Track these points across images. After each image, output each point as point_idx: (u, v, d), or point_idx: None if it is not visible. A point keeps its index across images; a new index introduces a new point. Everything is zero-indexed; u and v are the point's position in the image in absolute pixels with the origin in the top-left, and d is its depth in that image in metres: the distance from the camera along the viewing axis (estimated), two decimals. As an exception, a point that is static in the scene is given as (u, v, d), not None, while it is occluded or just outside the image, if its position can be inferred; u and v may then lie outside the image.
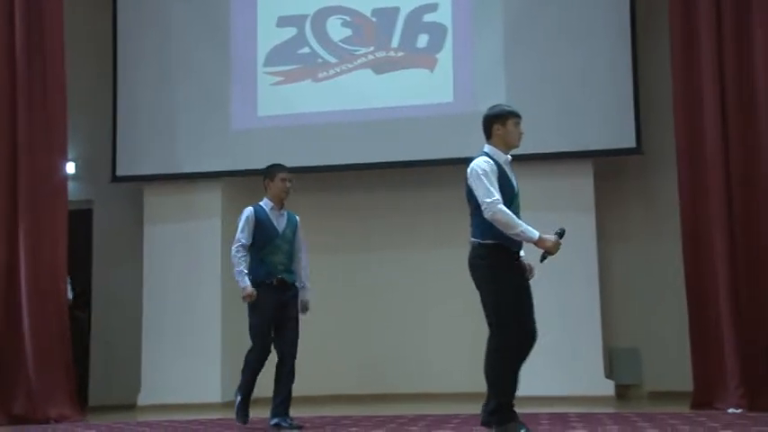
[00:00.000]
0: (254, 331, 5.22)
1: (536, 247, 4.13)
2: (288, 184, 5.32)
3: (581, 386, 6.68)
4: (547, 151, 6.96)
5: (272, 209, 5.30)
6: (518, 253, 4.27)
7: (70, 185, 7.18)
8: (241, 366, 7.98)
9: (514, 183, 4.31)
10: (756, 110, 5.86)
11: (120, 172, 7.64)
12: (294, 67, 7.47)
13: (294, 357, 5.23)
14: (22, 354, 6.35)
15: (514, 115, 4.35)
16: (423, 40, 7.31)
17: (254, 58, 7.51)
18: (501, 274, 4.15)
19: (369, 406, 4.76)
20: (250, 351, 5.26)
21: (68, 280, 6.88)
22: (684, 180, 6.11)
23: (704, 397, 5.83)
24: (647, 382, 7.13)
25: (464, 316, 6.66)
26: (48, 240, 6.57)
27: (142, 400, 7.32)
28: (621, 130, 6.86)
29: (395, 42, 7.35)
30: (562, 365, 6.78)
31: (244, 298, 5.19)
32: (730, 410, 5.51)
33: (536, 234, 4.10)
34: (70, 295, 6.97)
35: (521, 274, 4.27)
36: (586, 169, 7.02)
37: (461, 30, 7.22)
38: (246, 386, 5.29)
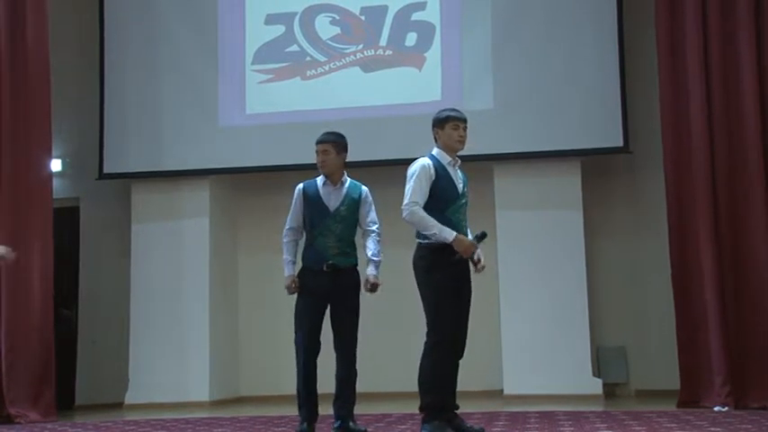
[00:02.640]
0: (295, 319, 4.60)
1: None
2: (321, 156, 4.67)
3: (569, 385, 6.70)
4: (534, 150, 6.99)
5: (324, 184, 4.68)
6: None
7: (57, 183, 7.13)
8: (230, 366, 7.96)
9: (459, 185, 4.34)
10: (742, 109, 5.92)
11: (107, 169, 7.59)
12: (282, 65, 7.45)
13: (350, 353, 4.57)
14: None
15: (453, 119, 4.36)
16: (411, 39, 7.31)
17: (243, 55, 7.49)
18: (439, 275, 4.20)
19: (357, 404, 4.72)
20: (296, 340, 4.63)
21: None
22: (671, 179, 6.16)
23: (691, 395, 5.87)
24: (634, 380, 7.16)
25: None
26: (34, 238, 6.52)
27: (129, 398, 7.28)
28: (609, 129, 6.88)
29: (383, 41, 7.35)
30: (550, 364, 6.80)
31: (286, 288, 4.64)
32: (716, 408, 5.56)
33: (451, 235, 4.17)
34: None
35: (461, 278, 4.28)
36: (574, 168, 7.04)
37: (450, 28, 7.22)
38: (298, 380, 4.59)
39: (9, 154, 6.51)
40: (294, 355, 4.64)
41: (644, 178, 7.21)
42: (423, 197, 4.24)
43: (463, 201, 4.37)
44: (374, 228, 4.72)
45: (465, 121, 4.39)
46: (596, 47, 6.95)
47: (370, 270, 4.65)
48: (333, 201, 4.64)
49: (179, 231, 7.50)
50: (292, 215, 4.72)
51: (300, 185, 4.76)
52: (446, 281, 4.21)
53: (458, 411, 4.34)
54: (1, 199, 6.44)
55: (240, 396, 7.74)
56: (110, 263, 7.88)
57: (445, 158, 4.34)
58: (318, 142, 4.72)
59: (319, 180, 4.73)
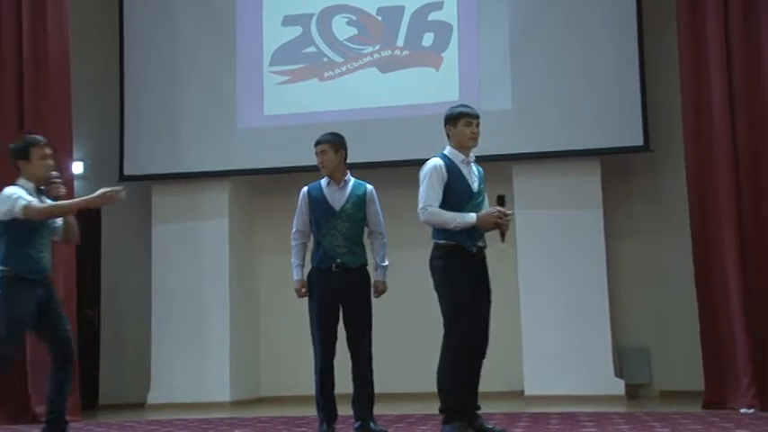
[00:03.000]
0: (310, 321, 4.61)
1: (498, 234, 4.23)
2: (320, 157, 4.66)
3: (590, 385, 6.65)
4: (553, 150, 6.95)
5: (329, 184, 4.67)
6: (479, 250, 4.26)
7: (79, 185, 7.19)
8: (250, 366, 8.00)
9: (473, 184, 4.30)
10: (765, 106, 5.83)
11: (127, 171, 7.64)
12: (300, 66, 7.46)
13: (365, 353, 4.56)
14: (23, 355, 6.33)
15: (465, 115, 4.31)
16: (428, 39, 7.28)
17: (261, 57, 7.51)
18: (456, 275, 4.16)
19: (376, 405, 4.71)
20: (313, 342, 4.65)
21: None
22: (693, 177, 6.09)
23: (716, 396, 5.80)
24: (657, 381, 7.10)
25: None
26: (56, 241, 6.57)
27: (152, 398, 7.33)
28: (628, 128, 6.82)
29: (400, 41, 7.33)
30: (571, 364, 6.76)
31: (295, 292, 4.67)
32: (743, 410, 5.47)
33: (473, 216, 4.15)
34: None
35: (478, 277, 4.25)
36: (593, 167, 6.99)
37: (467, 28, 7.19)
38: (316, 385, 4.60)
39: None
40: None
41: (665, 177, 7.14)
42: (437, 198, 4.21)
43: (479, 199, 4.32)
44: (380, 229, 4.75)
45: (477, 117, 4.34)
46: (615, 44, 6.89)
47: (379, 275, 4.70)
48: (337, 200, 4.63)
49: (199, 232, 7.54)
50: (298, 218, 4.75)
51: (305, 188, 4.77)
52: (463, 281, 4.18)
53: (479, 412, 4.32)
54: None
55: (261, 396, 7.77)
56: (131, 264, 7.95)
57: (458, 157, 4.30)
58: (316, 143, 4.74)
59: (323, 181, 4.73)
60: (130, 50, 7.71)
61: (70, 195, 6.73)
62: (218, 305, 7.41)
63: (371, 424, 4.57)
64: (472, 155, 4.38)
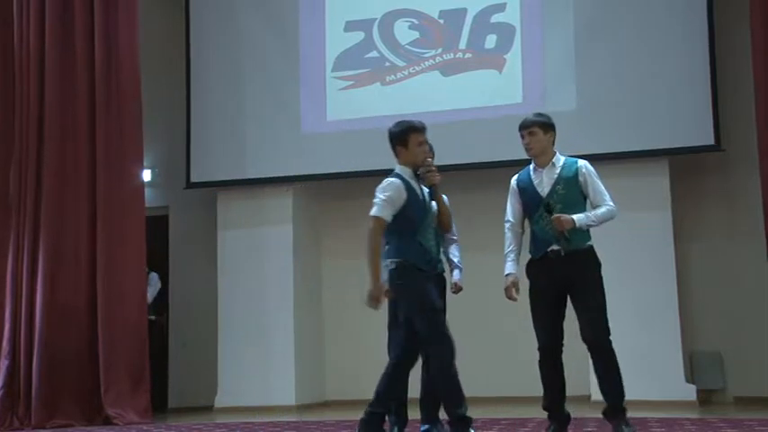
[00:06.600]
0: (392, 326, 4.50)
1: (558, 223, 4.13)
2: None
3: (661, 390, 6.48)
4: (619, 150, 6.81)
5: (411, 177, 4.32)
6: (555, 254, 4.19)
7: (147, 192, 7.37)
8: (316, 370, 8.03)
9: (544, 189, 4.23)
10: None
11: (194, 178, 7.80)
12: (362, 71, 7.50)
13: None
14: (97, 357, 6.53)
15: (520, 127, 4.32)
16: (491, 41, 7.24)
17: (323, 63, 7.58)
18: (529, 283, 4.21)
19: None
20: (389, 345, 4.55)
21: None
22: (767, 176, 5.89)
23: (793, 403, 5.60)
24: (731, 387, 6.89)
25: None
26: (128, 246, 6.76)
27: (219, 402, 7.45)
28: (699, 127, 6.64)
29: (462, 44, 7.30)
30: (640, 369, 6.55)
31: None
32: (821, 417, 5.27)
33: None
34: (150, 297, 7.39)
35: (547, 280, 4.22)
36: (662, 168, 6.83)
37: (530, 29, 7.12)
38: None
39: (104, 166, 6.79)
40: (380, 358, 4.57)
41: (738, 177, 6.93)
42: (512, 214, 4.33)
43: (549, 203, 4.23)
44: (456, 236, 4.77)
45: (527, 127, 4.29)
46: (684, 42, 6.72)
47: (457, 275, 4.72)
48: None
49: (264, 238, 7.64)
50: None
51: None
52: (533, 288, 4.22)
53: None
54: (98, 209, 6.72)
55: (326, 400, 7.81)
56: (198, 270, 8.09)
57: (531, 166, 4.35)
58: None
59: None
60: (196, 59, 7.87)
61: (141, 202, 7.00)
62: (282, 310, 7.48)
63: (439, 426, 4.54)
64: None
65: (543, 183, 4.26)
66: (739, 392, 6.83)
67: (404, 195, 4.14)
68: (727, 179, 7.07)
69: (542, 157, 4.27)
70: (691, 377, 6.82)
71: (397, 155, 4.31)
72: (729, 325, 6.93)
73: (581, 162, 4.32)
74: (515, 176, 4.40)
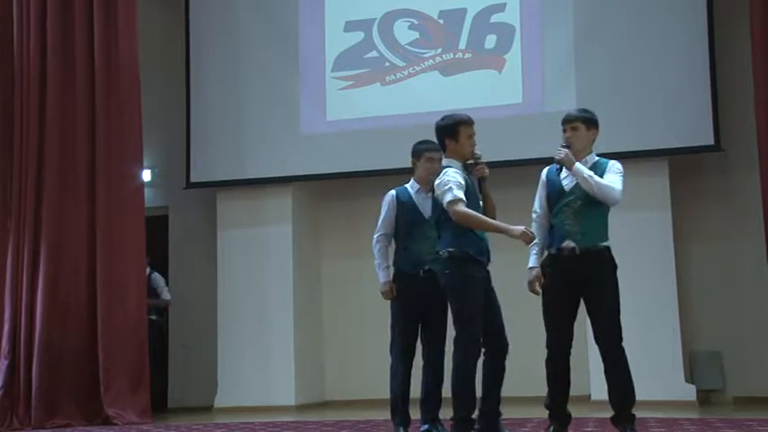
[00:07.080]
0: (395, 327, 4.63)
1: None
2: (436, 165, 4.45)
3: (660, 390, 6.46)
4: (619, 150, 6.79)
5: (418, 191, 4.67)
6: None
7: (147, 192, 7.37)
8: (315, 370, 8.04)
9: (567, 185, 4.21)
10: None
11: (194, 178, 7.80)
12: (362, 71, 7.50)
13: (440, 356, 4.56)
14: (97, 357, 6.53)
15: (564, 121, 4.29)
16: (491, 41, 7.24)
17: (323, 63, 7.58)
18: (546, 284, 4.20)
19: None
20: (391, 345, 4.66)
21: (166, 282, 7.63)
22: (767, 177, 5.89)
23: (793, 402, 5.60)
24: (731, 386, 6.89)
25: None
26: (128, 246, 6.76)
27: (218, 402, 7.45)
28: (698, 127, 6.65)
29: (462, 44, 7.31)
30: (639, 369, 6.47)
31: (382, 294, 4.66)
32: (822, 416, 5.27)
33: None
34: (168, 296, 7.69)
35: (556, 280, 4.21)
36: (662, 168, 6.84)
37: (530, 29, 7.12)
38: (394, 387, 4.62)
39: (104, 165, 6.78)
40: (379, 357, 4.70)
41: (738, 177, 6.93)
42: (540, 206, 4.31)
43: (569, 199, 4.18)
44: None
45: (571, 121, 4.25)
46: (684, 42, 6.73)
47: None
48: (427, 208, 4.56)
49: (263, 238, 7.64)
50: (385, 222, 4.71)
51: (392, 192, 4.74)
52: (548, 285, 4.20)
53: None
54: (97, 209, 6.72)
55: (326, 400, 7.82)
56: (198, 269, 8.09)
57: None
58: (426, 150, 4.67)
59: (411, 187, 4.72)
60: (195, 59, 7.87)
61: (141, 203, 7.00)
62: (282, 309, 7.48)
63: (439, 427, 4.56)
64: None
65: (570, 177, 4.21)
66: (739, 392, 6.83)
67: (465, 183, 4.15)
68: (726, 179, 7.08)
69: (579, 154, 4.21)
70: (690, 377, 6.82)
71: (445, 148, 4.31)
72: (729, 325, 6.93)
73: (612, 161, 4.30)
74: (546, 168, 4.33)
